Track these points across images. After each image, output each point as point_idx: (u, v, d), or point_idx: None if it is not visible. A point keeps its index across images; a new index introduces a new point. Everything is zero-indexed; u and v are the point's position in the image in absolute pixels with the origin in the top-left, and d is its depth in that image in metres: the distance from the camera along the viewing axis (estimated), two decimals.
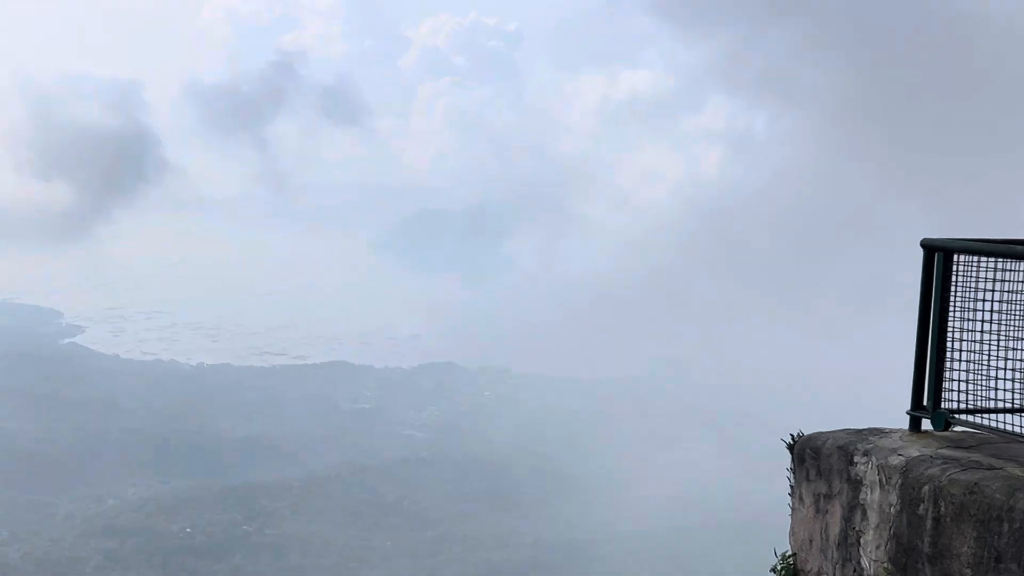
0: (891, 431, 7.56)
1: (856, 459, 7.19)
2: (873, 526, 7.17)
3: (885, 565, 7.00)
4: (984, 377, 7.01)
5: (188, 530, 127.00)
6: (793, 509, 8.09)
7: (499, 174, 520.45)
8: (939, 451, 7.01)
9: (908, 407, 7.51)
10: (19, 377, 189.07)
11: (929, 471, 6.72)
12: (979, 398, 7.14)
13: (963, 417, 7.31)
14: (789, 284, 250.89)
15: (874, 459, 7.06)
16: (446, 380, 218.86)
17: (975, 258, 7.22)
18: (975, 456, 6.88)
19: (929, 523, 6.66)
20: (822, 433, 7.83)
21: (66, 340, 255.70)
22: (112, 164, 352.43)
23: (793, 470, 7.98)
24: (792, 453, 8.03)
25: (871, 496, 7.17)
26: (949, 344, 7.22)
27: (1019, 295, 6.91)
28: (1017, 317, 6.89)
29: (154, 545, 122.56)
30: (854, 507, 7.35)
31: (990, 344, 6.97)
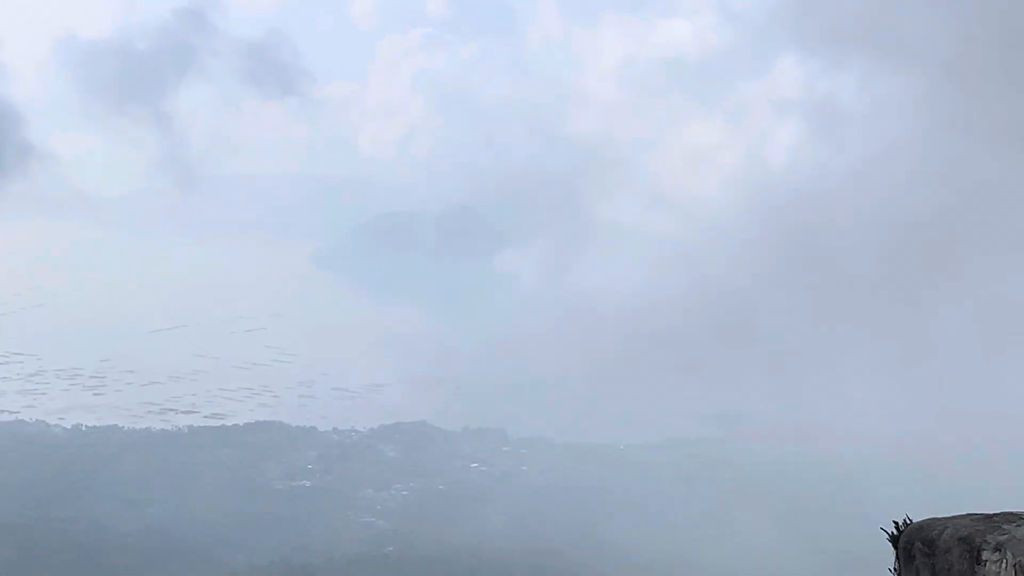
0: None
1: (985, 555, 7.22)
2: None
3: None
4: None
5: None
6: None
7: (490, 163, 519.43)
8: None
9: None
10: None
11: None
12: None
13: None
14: (887, 311, 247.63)
15: (1010, 555, 7.08)
16: (418, 447, 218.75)
17: None
18: None
19: None
20: (937, 520, 7.86)
21: None
22: None
23: (898, 570, 7.99)
24: (896, 546, 8.08)
25: None
26: None
27: None
28: None
29: None
30: None
31: None
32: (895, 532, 7.98)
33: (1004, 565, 7.03)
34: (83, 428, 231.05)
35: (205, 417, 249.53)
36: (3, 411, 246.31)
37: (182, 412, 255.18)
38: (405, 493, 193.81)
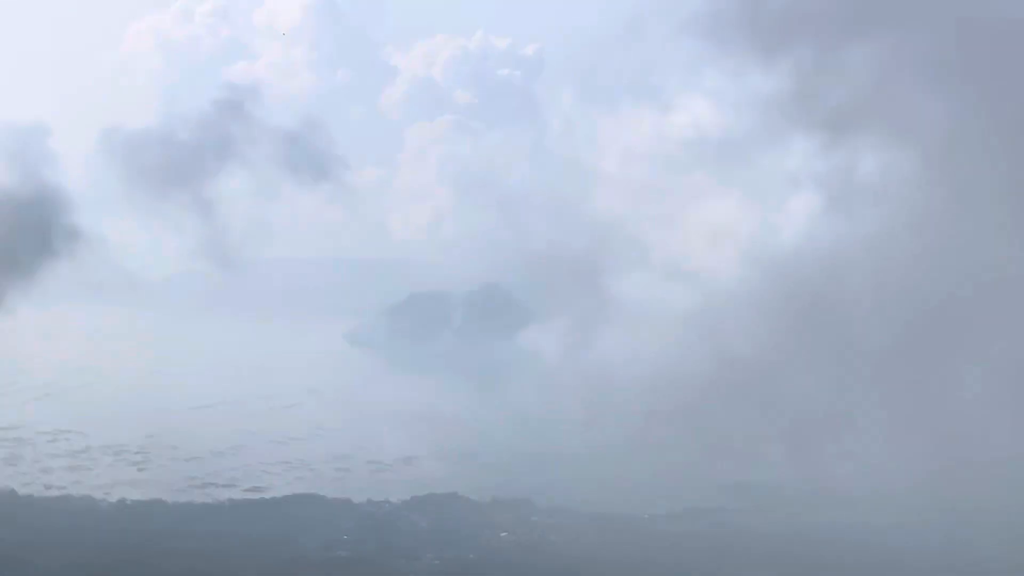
0: None
1: None
2: None
3: None
4: None
5: None
6: None
7: (514, 243, 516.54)
8: None
9: None
10: None
11: None
12: None
13: None
14: (904, 380, 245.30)
15: None
16: (448, 518, 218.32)
17: None
18: None
19: None
20: None
21: None
22: (6, 234, 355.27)
23: None
24: None
25: None
26: None
27: None
28: None
29: None
30: None
31: None
32: None
33: None
34: (128, 502, 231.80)
35: (244, 491, 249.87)
36: (51, 487, 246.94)
37: (222, 486, 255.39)
38: (437, 562, 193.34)
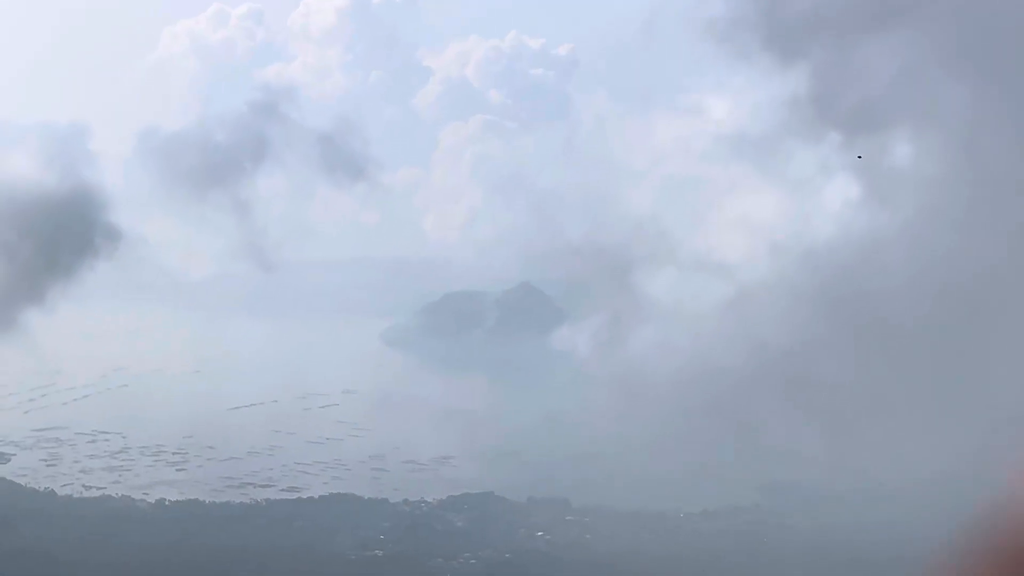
0: None
1: None
2: None
3: None
4: None
5: None
6: None
7: (547, 242, 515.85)
8: None
9: None
10: None
11: None
12: None
13: None
14: (945, 371, 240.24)
15: None
16: (485, 517, 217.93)
17: None
18: None
19: None
20: None
21: None
22: (47, 232, 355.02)
23: None
24: None
25: None
26: None
27: None
28: None
29: None
30: None
31: None
32: None
33: None
34: (167, 503, 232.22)
35: (281, 490, 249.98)
36: (91, 487, 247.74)
37: (260, 486, 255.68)
38: (474, 562, 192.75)
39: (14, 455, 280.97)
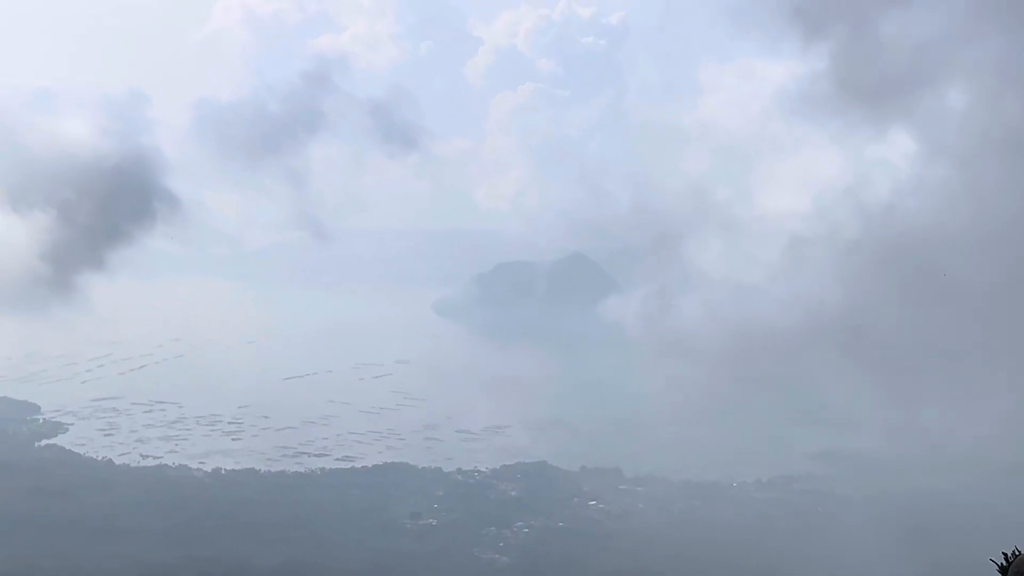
0: None
1: None
2: None
3: None
4: None
5: None
6: None
7: (596, 212, 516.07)
8: None
9: None
10: None
11: None
12: None
13: None
14: (1008, 330, 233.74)
15: None
16: (537, 486, 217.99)
17: None
18: None
19: None
20: None
21: (44, 442, 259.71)
22: (106, 198, 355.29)
23: None
24: (1006, 575, 7.88)
25: None
26: None
27: None
28: None
29: None
30: None
31: None
32: (1004, 563, 7.82)
33: None
34: (222, 472, 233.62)
35: (336, 460, 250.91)
36: (148, 456, 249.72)
37: (314, 455, 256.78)
38: (526, 531, 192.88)
39: (72, 425, 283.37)
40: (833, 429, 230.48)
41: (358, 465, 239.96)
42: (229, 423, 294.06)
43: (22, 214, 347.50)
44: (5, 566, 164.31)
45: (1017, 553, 7.71)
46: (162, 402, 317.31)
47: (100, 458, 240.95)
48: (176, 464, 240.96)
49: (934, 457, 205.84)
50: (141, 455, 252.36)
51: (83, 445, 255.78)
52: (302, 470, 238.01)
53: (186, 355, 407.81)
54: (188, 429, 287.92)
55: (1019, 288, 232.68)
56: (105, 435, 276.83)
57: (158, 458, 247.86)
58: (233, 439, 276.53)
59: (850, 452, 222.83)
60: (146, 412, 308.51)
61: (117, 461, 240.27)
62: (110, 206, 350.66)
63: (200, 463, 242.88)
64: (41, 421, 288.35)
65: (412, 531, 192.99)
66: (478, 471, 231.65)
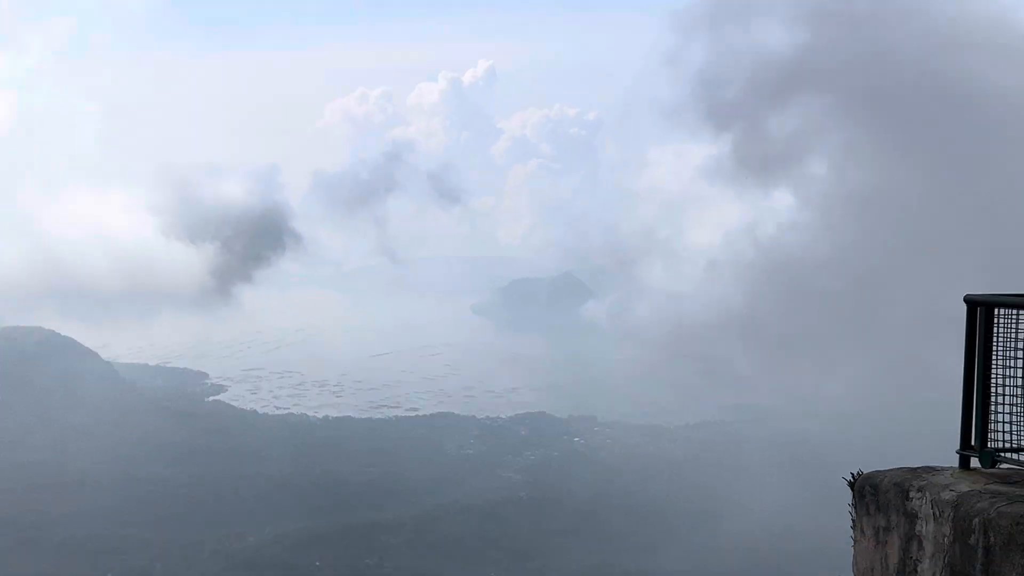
0: (943, 469, 7.40)
1: (912, 495, 7.03)
2: (928, 555, 6.99)
3: None
4: None
5: (317, 563, 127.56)
6: (855, 540, 7.90)
7: (582, 245, 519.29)
8: (987, 487, 6.87)
9: (957, 447, 7.39)
10: (172, 431, 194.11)
11: (978, 505, 6.57)
12: (1022, 438, 7.05)
13: (1008, 455, 7.27)
14: (857, 330, 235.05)
15: (928, 495, 6.91)
16: (539, 428, 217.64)
17: (1015, 311, 7.16)
18: (1020, 491, 6.72)
19: (980, 552, 6.50)
20: (880, 472, 7.66)
21: (211, 398, 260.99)
22: (252, 235, 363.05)
23: (854, 505, 7.81)
24: (853, 490, 7.85)
25: (926, 528, 7.00)
26: (993, 389, 7.19)
27: None
28: None
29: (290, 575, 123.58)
30: (911, 538, 7.17)
31: None
32: (852, 479, 7.83)
33: (924, 501, 6.85)
34: (329, 418, 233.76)
35: (405, 410, 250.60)
36: (280, 408, 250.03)
37: (391, 407, 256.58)
38: (532, 458, 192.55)
39: (229, 387, 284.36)
40: (739, 389, 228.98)
41: (420, 414, 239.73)
42: (334, 385, 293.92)
43: (197, 245, 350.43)
44: (188, 480, 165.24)
45: (860, 473, 7.74)
46: (289, 371, 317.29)
47: (247, 409, 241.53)
48: (299, 412, 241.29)
49: (806, 407, 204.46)
50: (275, 407, 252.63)
51: (236, 400, 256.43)
52: (383, 417, 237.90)
53: (306, 340, 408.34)
54: (307, 389, 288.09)
55: (860, 293, 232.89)
56: (251, 393, 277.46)
57: (287, 409, 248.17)
58: (337, 396, 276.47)
59: (750, 405, 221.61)
60: (279, 378, 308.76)
61: (259, 411, 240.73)
62: (255, 240, 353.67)
63: (315, 412, 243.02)
64: (209, 384, 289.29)
65: (457, 457, 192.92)
66: (500, 418, 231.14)
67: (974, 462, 7.44)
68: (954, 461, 7.59)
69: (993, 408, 7.26)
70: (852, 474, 8.35)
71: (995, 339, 7.26)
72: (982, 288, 7.93)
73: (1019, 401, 7.07)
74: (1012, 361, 7.12)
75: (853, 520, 8.07)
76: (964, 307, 7.39)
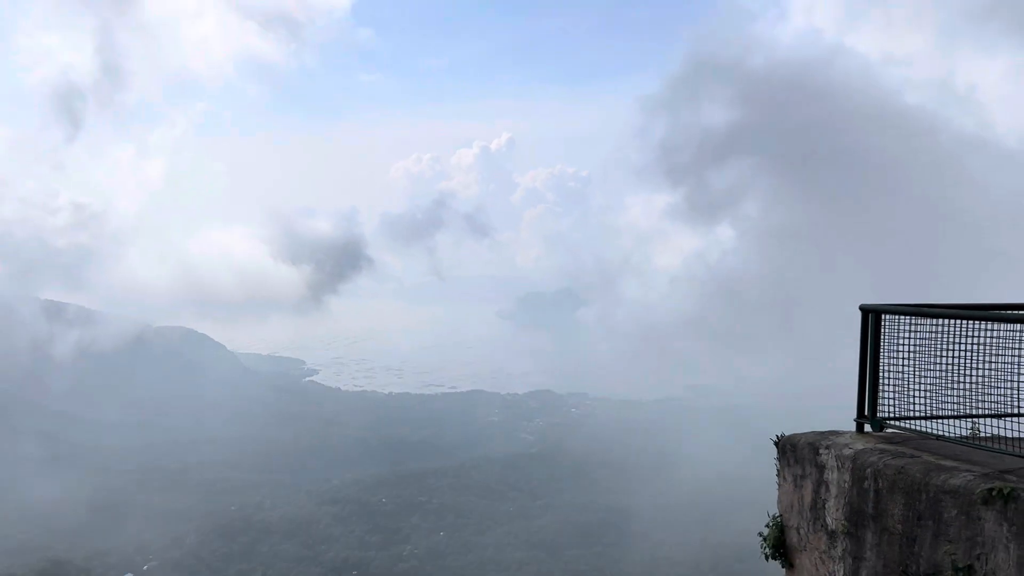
0: (844, 432, 7.46)
1: (821, 451, 7.05)
2: (834, 496, 7.02)
3: (842, 523, 6.84)
4: (905, 395, 7.03)
5: (383, 500, 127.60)
6: (779, 485, 7.93)
7: (577, 267, 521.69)
8: (876, 446, 6.96)
9: (855, 415, 7.45)
10: (276, 404, 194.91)
11: (871, 459, 6.66)
12: (902, 409, 7.14)
13: (892, 422, 7.34)
14: (780, 329, 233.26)
15: (833, 451, 6.95)
16: (546, 401, 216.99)
17: (897, 316, 7.24)
18: (902, 448, 6.81)
19: (871, 494, 6.55)
20: (798, 433, 7.70)
21: (306, 379, 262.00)
22: (336, 259, 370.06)
23: (778, 458, 7.84)
24: (778, 447, 7.88)
25: (832, 476, 7.03)
26: (881, 373, 7.26)
27: (926, 340, 6.95)
28: (925, 355, 6.89)
29: (363, 510, 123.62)
30: (820, 484, 7.20)
31: (909, 373, 7.02)
32: (777, 439, 7.83)
33: (830, 455, 6.87)
34: (393, 394, 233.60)
35: (448, 388, 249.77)
36: (358, 387, 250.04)
37: (438, 386, 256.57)
38: (540, 423, 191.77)
39: (320, 370, 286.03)
40: (693, 372, 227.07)
41: (458, 391, 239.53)
42: (397, 369, 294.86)
43: (297, 266, 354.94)
44: (289, 439, 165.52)
45: (783, 434, 7.72)
46: (364, 359, 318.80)
47: (333, 387, 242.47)
48: (371, 389, 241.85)
49: (742, 385, 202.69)
50: (355, 385, 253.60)
51: (325, 380, 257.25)
52: (432, 393, 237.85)
53: (376, 337, 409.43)
54: (377, 373, 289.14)
55: (782, 302, 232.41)
56: (336, 375, 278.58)
57: (362, 387, 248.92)
58: (399, 377, 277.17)
59: (702, 385, 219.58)
60: (356, 364, 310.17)
61: (342, 388, 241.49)
62: (339, 263, 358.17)
63: (382, 389, 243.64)
64: (305, 368, 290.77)
65: (485, 423, 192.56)
66: (517, 394, 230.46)
67: (867, 427, 7.51)
68: (852, 426, 7.66)
69: (881, 387, 7.31)
70: (777, 435, 8.37)
71: (882, 336, 7.32)
72: (872, 299, 8.09)
73: (900, 381, 7.11)
74: (894, 353, 7.17)
75: (778, 470, 8.09)
76: (859, 313, 7.49)
